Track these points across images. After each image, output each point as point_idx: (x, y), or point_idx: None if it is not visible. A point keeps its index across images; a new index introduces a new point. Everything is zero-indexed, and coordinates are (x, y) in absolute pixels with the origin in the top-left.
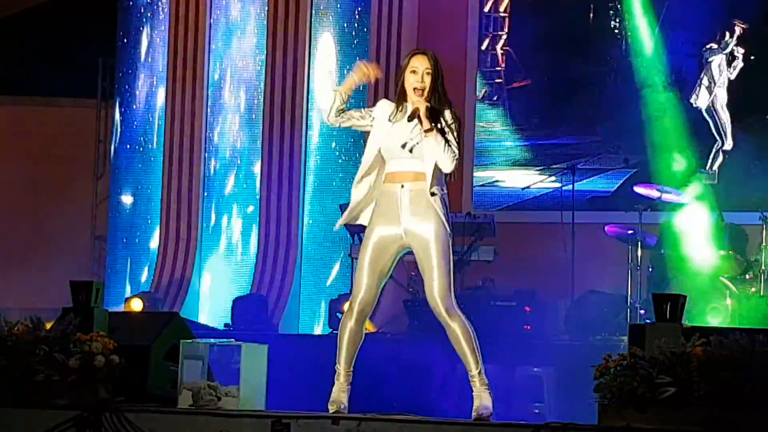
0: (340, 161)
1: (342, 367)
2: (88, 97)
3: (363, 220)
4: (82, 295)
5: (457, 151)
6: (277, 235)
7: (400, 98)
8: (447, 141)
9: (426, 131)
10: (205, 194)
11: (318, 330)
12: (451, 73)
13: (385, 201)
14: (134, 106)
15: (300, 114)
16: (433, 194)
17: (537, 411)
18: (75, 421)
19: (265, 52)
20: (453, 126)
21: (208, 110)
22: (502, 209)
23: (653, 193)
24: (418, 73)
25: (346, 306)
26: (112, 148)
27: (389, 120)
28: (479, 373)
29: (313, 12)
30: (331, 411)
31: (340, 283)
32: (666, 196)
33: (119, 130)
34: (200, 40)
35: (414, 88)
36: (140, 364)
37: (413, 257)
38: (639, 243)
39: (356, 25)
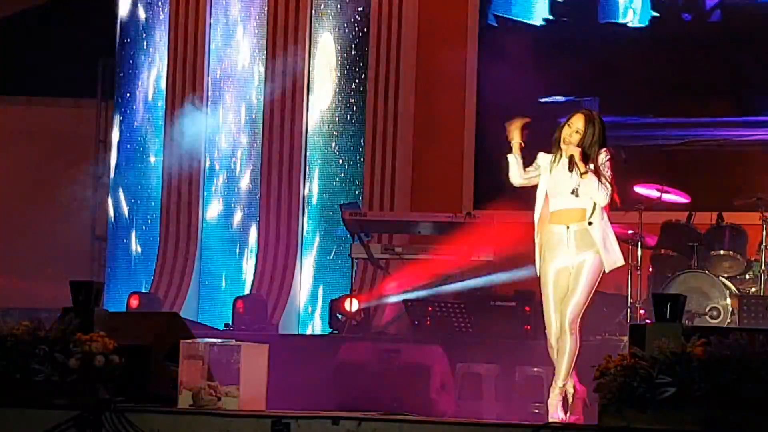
0: (340, 162)
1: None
2: (88, 98)
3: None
4: (82, 295)
5: (609, 187)
6: (277, 235)
7: (556, 147)
8: (599, 180)
9: (582, 174)
10: (205, 194)
11: (318, 330)
12: (450, 73)
13: (554, 240)
14: (134, 106)
15: (300, 114)
16: (590, 223)
17: (537, 411)
18: (75, 421)
19: (265, 52)
20: (605, 164)
21: (208, 110)
22: (501, 209)
23: (653, 192)
24: (571, 127)
25: None
26: (113, 148)
27: (549, 166)
28: (564, 385)
29: (313, 12)
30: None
31: (340, 283)
32: (666, 196)
33: (119, 130)
34: (200, 40)
35: (564, 139)
36: (140, 364)
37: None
38: (639, 243)
39: (356, 25)
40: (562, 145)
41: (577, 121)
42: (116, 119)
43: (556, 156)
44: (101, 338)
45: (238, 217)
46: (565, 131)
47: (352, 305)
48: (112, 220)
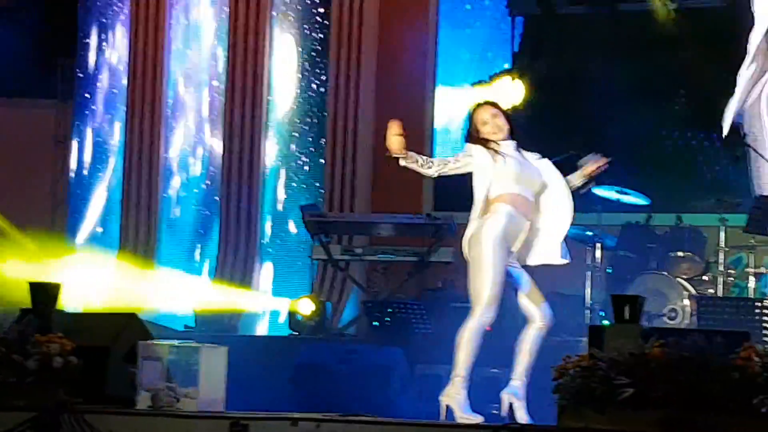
0: (299, 162)
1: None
2: (46, 98)
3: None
4: (41, 297)
5: None
6: (236, 235)
7: (484, 144)
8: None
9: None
10: (164, 195)
11: (278, 331)
12: (411, 75)
13: (508, 225)
14: (93, 107)
15: (260, 114)
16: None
17: (495, 412)
18: (33, 422)
19: (226, 53)
20: None
21: (169, 110)
22: (462, 210)
23: (611, 194)
24: (488, 122)
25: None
26: (72, 149)
27: (493, 161)
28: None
29: (274, 13)
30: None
31: (300, 284)
32: (625, 198)
33: (78, 131)
34: (160, 40)
35: (494, 134)
36: (99, 366)
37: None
38: (598, 244)
39: (317, 27)
40: (498, 141)
41: (486, 111)
42: (75, 120)
43: (495, 152)
44: (59, 339)
45: (197, 218)
46: (488, 129)
47: (312, 306)
48: (72, 220)
